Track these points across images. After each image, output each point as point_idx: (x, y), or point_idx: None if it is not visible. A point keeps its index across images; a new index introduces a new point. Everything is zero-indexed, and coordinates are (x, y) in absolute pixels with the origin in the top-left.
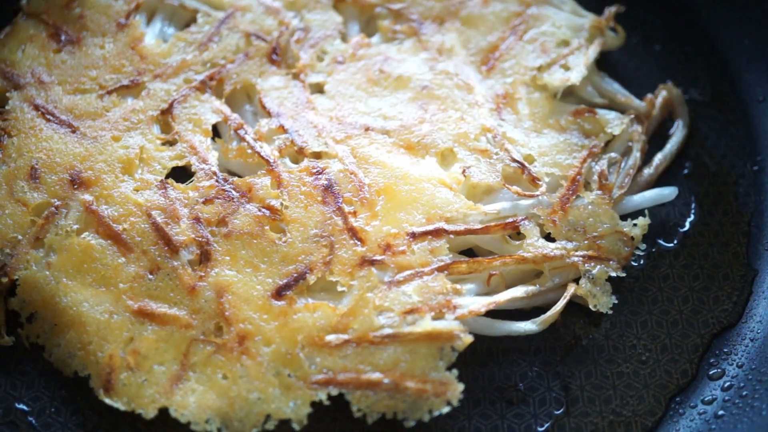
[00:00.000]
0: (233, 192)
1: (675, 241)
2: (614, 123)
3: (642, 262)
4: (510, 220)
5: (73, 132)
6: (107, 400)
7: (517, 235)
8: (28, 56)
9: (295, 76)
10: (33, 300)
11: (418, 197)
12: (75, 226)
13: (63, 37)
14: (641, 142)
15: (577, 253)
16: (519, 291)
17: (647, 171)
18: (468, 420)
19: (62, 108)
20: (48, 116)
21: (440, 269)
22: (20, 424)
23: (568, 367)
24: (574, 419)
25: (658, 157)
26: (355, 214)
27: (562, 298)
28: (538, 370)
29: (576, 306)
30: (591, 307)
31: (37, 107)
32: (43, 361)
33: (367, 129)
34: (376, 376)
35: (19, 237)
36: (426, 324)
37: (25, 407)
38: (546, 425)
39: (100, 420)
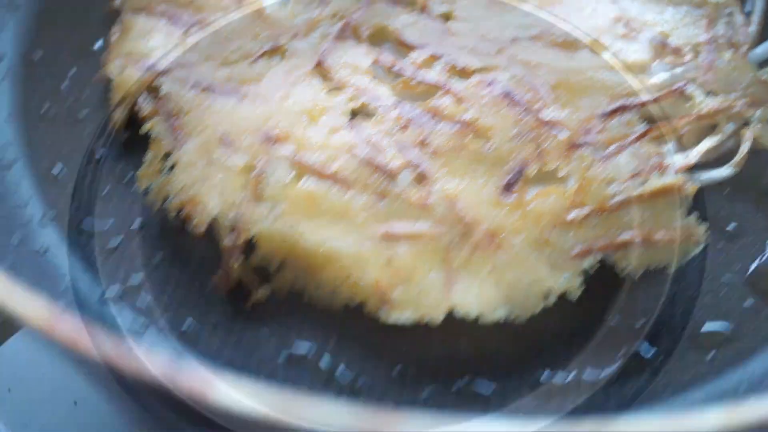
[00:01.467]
0: (422, 117)
1: None
2: None
3: None
4: (676, 86)
5: (243, 99)
6: (392, 318)
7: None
8: (155, 45)
9: (422, 11)
10: (277, 250)
11: (592, 84)
12: (289, 176)
13: (184, 21)
14: (738, 5)
15: (739, 102)
16: (711, 141)
17: (751, 29)
18: None
19: (220, 80)
20: (209, 90)
21: (640, 137)
22: (309, 359)
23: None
24: None
25: (755, 15)
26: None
27: (744, 140)
28: (742, 204)
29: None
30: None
31: (194, 85)
32: (297, 304)
33: (514, 39)
34: (628, 235)
35: (238, 199)
36: (653, 182)
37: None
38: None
39: (384, 338)
